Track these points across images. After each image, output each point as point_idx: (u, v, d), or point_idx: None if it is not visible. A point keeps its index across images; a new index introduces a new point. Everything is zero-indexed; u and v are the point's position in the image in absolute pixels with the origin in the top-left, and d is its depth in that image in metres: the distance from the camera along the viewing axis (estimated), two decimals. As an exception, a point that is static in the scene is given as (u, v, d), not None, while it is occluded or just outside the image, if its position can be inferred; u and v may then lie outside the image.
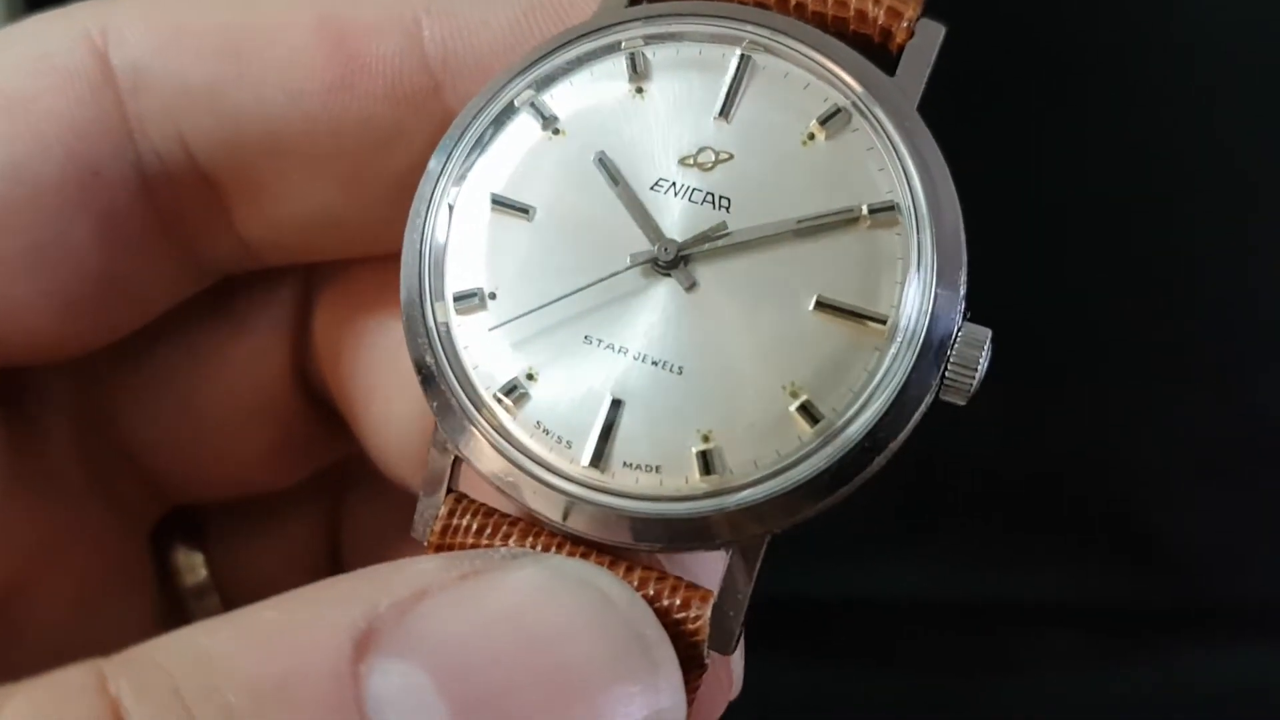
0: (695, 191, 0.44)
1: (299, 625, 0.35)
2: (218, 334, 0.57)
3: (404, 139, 0.49)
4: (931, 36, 0.46)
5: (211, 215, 0.51)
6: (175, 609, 0.61)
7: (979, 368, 0.42)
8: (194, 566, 0.62)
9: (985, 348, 0.42)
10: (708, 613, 0.42)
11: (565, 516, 0.42)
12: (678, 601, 0.42)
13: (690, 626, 0.42)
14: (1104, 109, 0.82)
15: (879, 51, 0.46)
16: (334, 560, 0.63)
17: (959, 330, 0.42)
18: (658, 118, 0.45)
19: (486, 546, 0.43)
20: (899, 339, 0.42)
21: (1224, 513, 0.87)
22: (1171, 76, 0.82)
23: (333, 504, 0.63)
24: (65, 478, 0.55)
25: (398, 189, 0.49)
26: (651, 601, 0.41)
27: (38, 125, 0.47)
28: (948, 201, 0.43)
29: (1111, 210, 0.84)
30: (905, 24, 0.46)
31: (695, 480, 0.42)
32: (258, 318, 0.57)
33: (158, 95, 0.48)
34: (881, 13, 0.45)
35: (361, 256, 0.55)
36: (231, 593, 0.62)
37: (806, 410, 0.41)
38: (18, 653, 0.52)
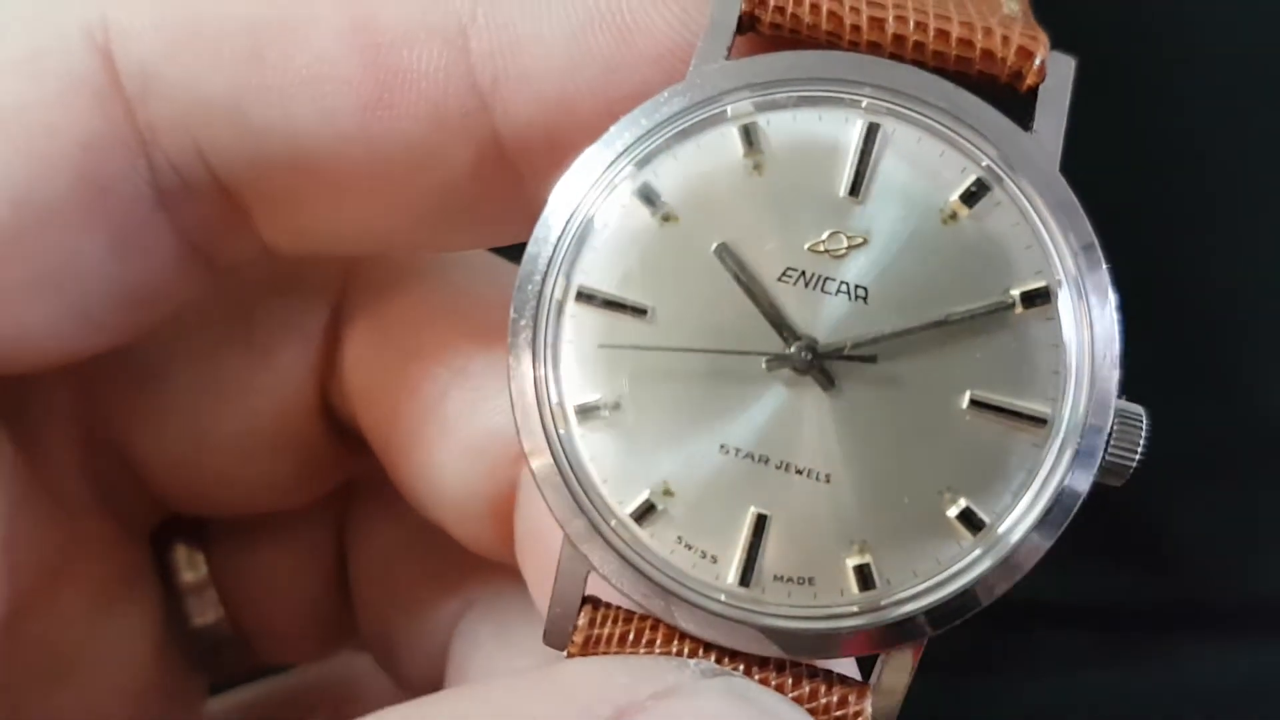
0: (829, 281, 0.40)
1: None
2: (238, 363, 0.54)
3: (446, 159, 0.44)
4: (1063, 74, 0.41)
5: (233, 226, 0.47)
6: (173, 605, 0.60)
7: (1138, 449, 0.40)
8: (195, 564, 0.61)
9: (1143, 427, 0.40)
10: (867, 709, 0.40)
11: (717, 633, 0.40)
12: (835, 700, 0.40)
13: None
14: (1102, 109, 0.82)
15: (1003, 91, 0.42)
16: (340, 569, 0.61)
17: (1116, 414, 0.39)
18: (780, 198, 0.41)
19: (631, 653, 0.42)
20: (1059, 433, 0.39)
21: (1224, 513, 0.88)
22: (1170, 77, 0.82)
23: (340, 512, 0.62)
24: (70, 491, 0.53)
25: (434, 203, 0.46)
26: (808, 700, 0.40)
27: (37, 142, 0.42)
28: (1101, 278, 0.40)
29: (1110, 211, 0.84)
30: (1038, 63, 0.41)
31: (852, 593, 0.39)
32: (282, 348, 0.54)
33: (171, 104, 0.43)
34: (1011, 53, 0.41)
35: (394, 254, 0.53)
36: (230, 592, 0.61)
37: (967, 517, 0.39)
38: (29, 667, 0.51)
